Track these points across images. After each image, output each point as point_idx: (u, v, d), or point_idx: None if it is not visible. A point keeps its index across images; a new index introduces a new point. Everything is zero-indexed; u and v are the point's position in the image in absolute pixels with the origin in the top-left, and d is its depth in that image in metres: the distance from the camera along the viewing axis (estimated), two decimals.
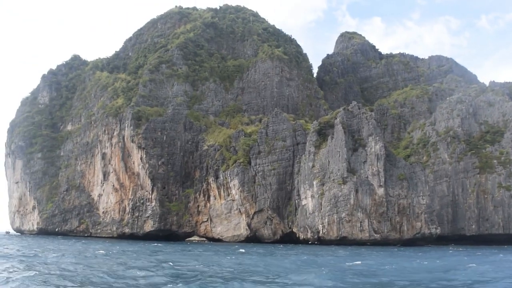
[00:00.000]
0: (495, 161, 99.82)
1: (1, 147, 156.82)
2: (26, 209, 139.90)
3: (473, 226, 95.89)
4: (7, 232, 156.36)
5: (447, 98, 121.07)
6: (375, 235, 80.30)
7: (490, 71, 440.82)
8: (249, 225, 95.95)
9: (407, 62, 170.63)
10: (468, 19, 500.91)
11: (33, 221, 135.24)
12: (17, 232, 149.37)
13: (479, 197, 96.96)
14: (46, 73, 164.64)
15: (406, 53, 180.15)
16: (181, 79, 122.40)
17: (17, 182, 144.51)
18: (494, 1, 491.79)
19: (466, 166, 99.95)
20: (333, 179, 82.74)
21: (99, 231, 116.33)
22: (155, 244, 78.37)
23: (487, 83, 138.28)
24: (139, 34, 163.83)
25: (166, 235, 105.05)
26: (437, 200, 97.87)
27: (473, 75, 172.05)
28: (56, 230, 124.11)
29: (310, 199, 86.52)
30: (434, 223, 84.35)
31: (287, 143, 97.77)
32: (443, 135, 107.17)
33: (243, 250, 57.10)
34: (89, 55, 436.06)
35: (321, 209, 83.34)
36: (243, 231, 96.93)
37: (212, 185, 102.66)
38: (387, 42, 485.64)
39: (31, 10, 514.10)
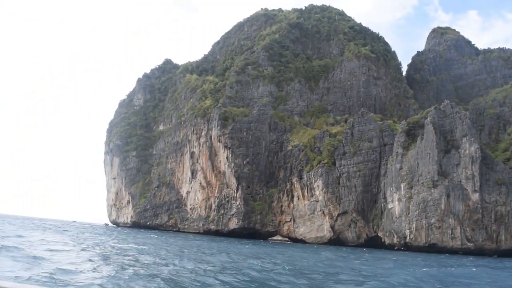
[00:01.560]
0: None
1: (102, 145, 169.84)
2: (122, 203, 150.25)
3: None
4: (106, 224, 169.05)
5: None
6: (468, 243, 75.18)
7: None
8: (332, 227, 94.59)
9: (507, 57, 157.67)
10: None
11: (127, 215, 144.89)
12: (113, 224, 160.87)
13: None
14: (141, 77, 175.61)
15: (507, 48, 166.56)
16: (267, 80, 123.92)
17: (114, 178, 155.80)
18: None
19: None
20: (422, 182, 78.79)
21: (186, 226, 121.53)
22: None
23: None
24: (226, 37, 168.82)
25: (250, 233, 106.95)
26: None
27: None
28: (148, 223, 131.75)
29: (397, 202, 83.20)
30: None
31: (374, 144, 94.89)
32: None
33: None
34: (180, 59, 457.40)
35: (408, 213, 79.77)
36: (326, 233, 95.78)
37: (295, 185, 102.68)
38: (484, 37, 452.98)
39: (129, 22, 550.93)
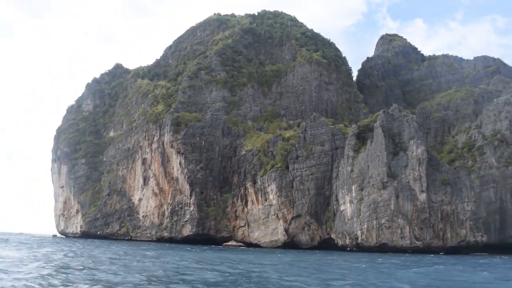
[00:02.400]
0: None
1: (49, 153, 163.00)
2: (70, 213, 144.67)
3: None
4: (54, 235, 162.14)
5: (494, 100, 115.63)
6: (417, 242, 77.52)
7: None
8: (286, 230, 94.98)
9: (451, 63, 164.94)
10: None
11: (76, 224, 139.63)
12: (61, 234, 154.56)
13: None
14: (90, 82, 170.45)
15: (450, 54, 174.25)
16: (220, 85, 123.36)
17: (62, 187, 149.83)
18: None
19: None
20: (373, 184, 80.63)
21: (139, 234, 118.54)
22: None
23: None
24: (179, 42, 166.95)
25: (204, 239, 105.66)
26: (483, 206, 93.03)
27: None
28: (98, 233, 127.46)
29: (348, 204, 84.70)
30: (480, 230, 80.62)
31: (326, 148, 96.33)
32: (490, 138, 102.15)
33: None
34: (131, 64, 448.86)
35: (360, 214, 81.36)
36: (280, 236, 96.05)
37: (249, 190, 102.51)
38: (429, 44, 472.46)
39: (74, 23, 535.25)
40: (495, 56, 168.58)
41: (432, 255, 69.84)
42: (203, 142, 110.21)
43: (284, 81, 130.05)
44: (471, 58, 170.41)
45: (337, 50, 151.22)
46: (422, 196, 78.21)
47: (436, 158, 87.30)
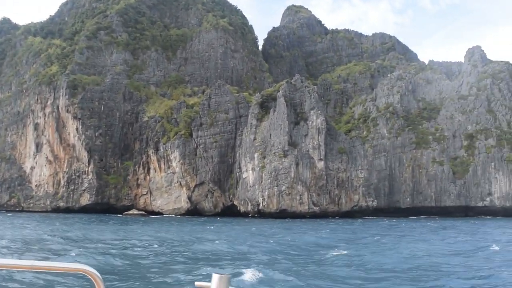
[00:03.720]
0: (430, 137, 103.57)
1: None
2: None
3: (408, 199, 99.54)
4: None
5: (388, 75, 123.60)
6: (314, 207, 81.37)
7: (430, 50, 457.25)
8: (189, 198, 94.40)
9: (351, 38, 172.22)
10: None
11: None
12: None
13: (414, 171, 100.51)
14: None
15: (351, 30, 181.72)
16: (121, 47, 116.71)
17: None
18: None
19: (404, 141, 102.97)
20: (274, 152, 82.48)
21: (31, 205, 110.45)
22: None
23: (426, 62, 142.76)
24: None
25: (104, 209, 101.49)
26: (375, 174, 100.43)
27: (414, 54, 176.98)
28: None
29: (251, 172, 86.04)
30: (371, 196, 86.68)
31: (230, 116, 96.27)
32: (383, 111, 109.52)
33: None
34: (21, 19, 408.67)
35: (261, 182, 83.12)
36: (183, 204, 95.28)
37: (152, 157, 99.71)
38: (333, 18, 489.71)
39: None
40: (391, 34, 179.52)
41: (328, 219, 73.97)
42: (102, 107, 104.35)
43: (189, 46, 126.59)
44: (370, 34, 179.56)
45: (244, 17, 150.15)
46: (320, 164, 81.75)
47: (334, 128, 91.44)
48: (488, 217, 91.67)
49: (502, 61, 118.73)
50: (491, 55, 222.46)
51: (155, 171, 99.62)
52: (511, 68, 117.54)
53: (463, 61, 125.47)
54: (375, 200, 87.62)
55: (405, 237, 37.99)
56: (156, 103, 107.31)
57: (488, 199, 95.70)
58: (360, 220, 75.97)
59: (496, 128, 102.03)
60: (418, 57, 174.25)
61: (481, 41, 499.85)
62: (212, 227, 51.26)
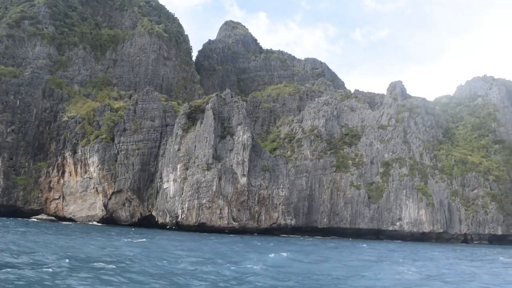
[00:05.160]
0: (350, 161, 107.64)
1: None
2: None
3: (325, 220, 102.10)
4: None
5: (316, 99, 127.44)
6: (234, 223, 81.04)
7: (356, 79, 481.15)
8: (105, 205, 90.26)
9: (284, 59, 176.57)
10: (344, 29, 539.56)
11: None
12: None
13: (333, 193, 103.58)
14: None
15: (285, 52, 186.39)
16: (46, 40, 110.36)
17: None
18: (368, 17, 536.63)
19: (325, 163, 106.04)
20: (198, 165, 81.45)
21: None
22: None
23: (352, 90, 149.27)
24: None
25: (10, 211, 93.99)
26: (295, 193, 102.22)
27: (342, 81, 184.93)
28: None
29: (172, 182, 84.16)
30: (290, 214, 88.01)
31: (156, 124, 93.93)
32: (307, 132, 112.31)
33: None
34: None
35: (182, 193, 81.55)
36: (98, 211, 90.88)
37: (68, 160, 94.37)
38: (269, 38, 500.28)
39: None
40: (323, 60, 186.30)
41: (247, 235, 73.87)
42: (18, 102, 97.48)
43: (120, 48, 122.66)
44: (303, 58, 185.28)
45: (180, 26, 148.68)
46: (243, 180, 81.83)
47: (259, 145, 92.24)
48: (398, 240, 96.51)
49: (419, 97, 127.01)
50: (411, 91, 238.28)
51: (70, 175, 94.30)
52: (426, 104, 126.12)
53: (385, 93, 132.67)
54: (294, 219, 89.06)
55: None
56: (78, 103, 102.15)
57: (398, 223, 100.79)
58: (276, 237, 76.71)
59: (409, 158, 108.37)
60: (345, 85, 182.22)
61: (403, 77, 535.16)
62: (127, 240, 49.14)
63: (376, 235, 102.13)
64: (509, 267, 39.32)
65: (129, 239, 46.82)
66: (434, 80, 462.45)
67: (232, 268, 25.67)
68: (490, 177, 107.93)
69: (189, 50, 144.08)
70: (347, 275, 25.82)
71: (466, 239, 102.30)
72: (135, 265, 24.41)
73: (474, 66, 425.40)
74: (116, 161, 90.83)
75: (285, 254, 37.52)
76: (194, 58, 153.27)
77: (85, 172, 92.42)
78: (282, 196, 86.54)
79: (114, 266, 22.91)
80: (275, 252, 36.47)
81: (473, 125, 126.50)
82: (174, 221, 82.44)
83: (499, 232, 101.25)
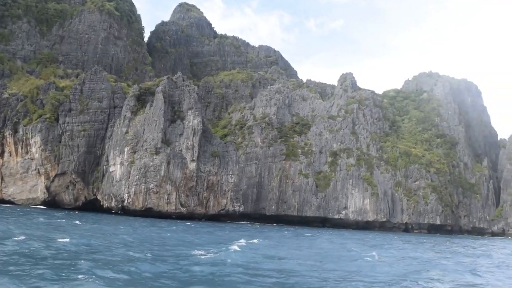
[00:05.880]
0: (299, 150, 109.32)
1: None
2: None
3: (273, 207, 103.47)
4: None
5: (268, 87, 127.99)
6: (182, 208, 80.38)
7: (309, 69, 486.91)
8: (48, 188, 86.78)
9: (238, 46, 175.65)
10: (299, 18, 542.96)
11: None
12: None
13: (282, 181, 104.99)
14: None
15: (240, 38, 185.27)
16: None
17: None
18: (323, 7, 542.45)
19: (275, 151, 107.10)
20: (146, 148, 79.84)
21: None
22: None
23: (304, 80, 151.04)
24: None
25: None
26: (245, 180, 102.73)
27: (294, 71, 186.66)
28: None
29: (119, 166, 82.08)
30: (239, 201, 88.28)
31: (103, 105, 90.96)
32: (259, 120, 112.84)
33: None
34: None
35: (129, 177, 79.79)
36: (40, 194, 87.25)
37: (8, 139, 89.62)
38: (224, 23, 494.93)
39: None
40: (277, 49, 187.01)
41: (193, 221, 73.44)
42: None
43: (68, 24, 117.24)
44: (257, 45, 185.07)
45: (132, 5, 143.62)
46: (192, 165, 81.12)
47: (210, 131, 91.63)
48: (343, 229, 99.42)
49: (368, 90, 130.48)
50: (361, 83, 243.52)
51: (10, 155, 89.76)
52: (375, 96, 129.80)
53: (336, 84, 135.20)
54: (242, 206, 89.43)
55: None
56: (21, 80, 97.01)
57: (343, 212, 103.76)
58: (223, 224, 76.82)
59: (357, 149, 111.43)
60: (298, 74, 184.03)
61: (354, 68, 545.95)
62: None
63: (322, 223, 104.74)
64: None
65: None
66: (383, 74, 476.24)
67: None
68: (432, 170, 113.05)
69: (141, 30, 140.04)
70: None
71: (407, 228, 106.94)
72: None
73: (422, 62, 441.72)
74: (60, 142, 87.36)
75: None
76: (146, 39, 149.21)
77: (27, 153, 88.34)
78: (231, 182, 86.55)
79: None
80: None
81: (418, 119, 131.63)
82: (119, 205, 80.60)
83: (438, 222, 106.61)
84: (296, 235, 57.36)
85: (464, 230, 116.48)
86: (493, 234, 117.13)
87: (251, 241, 35.80)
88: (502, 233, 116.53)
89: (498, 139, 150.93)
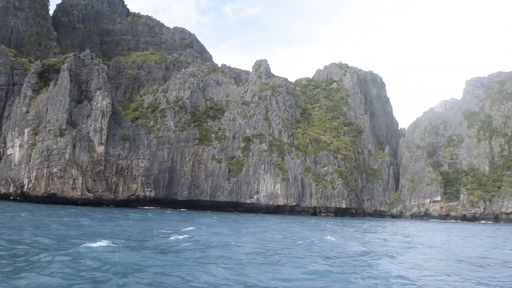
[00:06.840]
0: (213, 135, 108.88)
1: None
2: None
3: (185, 192, 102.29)
4: None
5: (182, 70, 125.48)
6: (88, 194, 76.47)
7: (224, 54, 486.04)
8: None
9: (152, 26, 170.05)
10: (215, 2, 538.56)
11: None
12: None
13: (194, 166, 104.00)
14: None
15: (154, 18, 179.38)
16: None
17: None
18: None
19: (188, 136, 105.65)
20: (49, 130, 74.53)
21: None
22: None
23: (219, 64, 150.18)
24: None
25: None
26: (156, 164, 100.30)
27: (210, 55, 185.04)
28: None
29: (18, 148, 75.93)
30: (150, 186, 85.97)
31: (1, 81, 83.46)
32: (172, 103, 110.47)
33: None
34: None
35: (29, 161, 74.12)
36: None
37: None
38: (137, 1, 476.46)
39: None
40: (192, 31, 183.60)
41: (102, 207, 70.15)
42: None
43: None
44: (171, 27, 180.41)
45: None
46: (100, 149, 77.39)
47: (119, 113, 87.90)
48: (253, 213, 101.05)
49: (282, 77, 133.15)
50: (275, 70, 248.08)
51: None
52: (288, 84, 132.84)
53: (251, 70, 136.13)
54: (153, 191, 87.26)
55: None
56: None
57: (255, 197, 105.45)
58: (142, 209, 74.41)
59: (269, 134, 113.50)
60: (213, 58, 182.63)
61: (268, 56, 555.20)
62: None
63: (235, 207, 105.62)
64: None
65: None
66: (296, 62, 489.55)
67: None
68: (339, 156, 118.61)
69: (45, 2, 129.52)
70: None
71: (315, 212, 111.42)
72: None
73: (333, 53, 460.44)
74: None
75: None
76: (51, 13, 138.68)
77: None
78: (142, 167, 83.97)
79: None
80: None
81: (327, 108, 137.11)
82: (19, 191, 74.74)
83: (343, 206, 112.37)
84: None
85: (367, 213, 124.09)
86: (393, 216, 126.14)
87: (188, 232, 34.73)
88: (400, 215, 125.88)
89: (399, 128, 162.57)
